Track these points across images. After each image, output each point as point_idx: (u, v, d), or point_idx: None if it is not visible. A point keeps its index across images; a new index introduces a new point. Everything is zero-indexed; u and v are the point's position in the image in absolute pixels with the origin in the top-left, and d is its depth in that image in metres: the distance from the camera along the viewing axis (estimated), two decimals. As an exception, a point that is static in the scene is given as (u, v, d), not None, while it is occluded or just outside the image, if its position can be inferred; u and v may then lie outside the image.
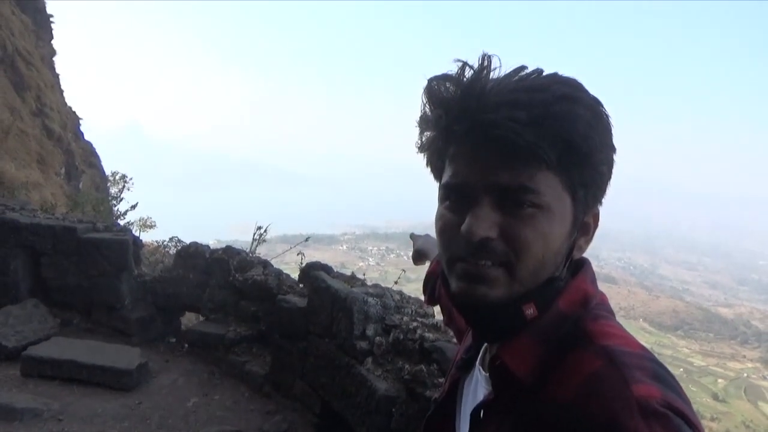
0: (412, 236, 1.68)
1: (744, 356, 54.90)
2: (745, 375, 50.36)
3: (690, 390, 45.01)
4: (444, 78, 0.72)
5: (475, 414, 0.81)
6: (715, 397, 44.49)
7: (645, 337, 56.34)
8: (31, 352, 3.95)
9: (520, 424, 0.71)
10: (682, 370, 49.91)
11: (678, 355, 54.28)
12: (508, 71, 0.71)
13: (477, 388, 0.87)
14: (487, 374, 0.82)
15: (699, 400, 42.78)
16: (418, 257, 1.56)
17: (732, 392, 46.50)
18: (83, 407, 3.61)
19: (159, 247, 7.80)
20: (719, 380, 48.98)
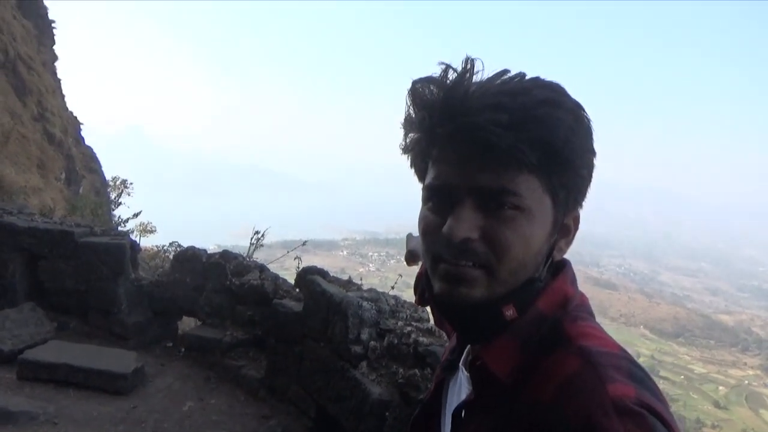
0: (409, 236, 1.67)
1: (745, 363, 54.77)
2: (746, 382, 50.22)
3: (691, 397, 44.87)
4: (428, 80, 0.73)
5: (456, 413, 0.82)
6: (716, 404, 44.35)
7: (646, 344, 56.15)
8: (27, 355, 3.96)
9: (500, 424, 0.72)
10: (682, 377, 49.77)
11: (679, 362, 54.09)
12: (491, 74, 0.72)
13: (461, 388, 0.88)
14: (469, 374, 0.83)
15: (700, 408, 42.65)
16: (411, 258, 1.56)
17: (733, 399, 46.36)
18: (79, 411, 3.61)
19: (159, 252, 7.83)
20: (720, 387, 48.83)
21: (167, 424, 3.64)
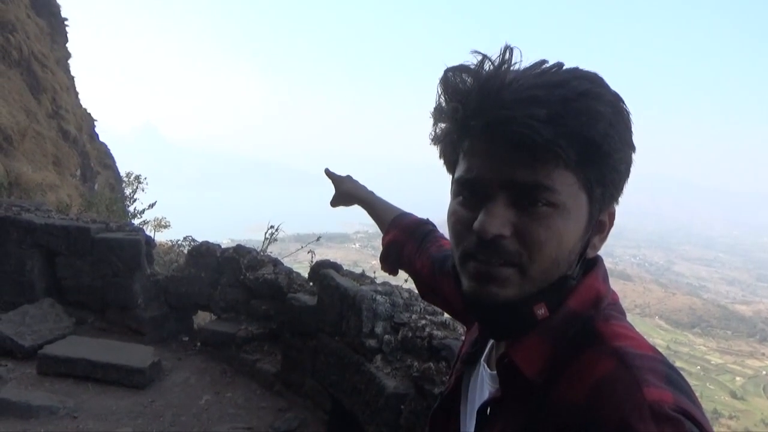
0: (330, 174, 1.59)
1: (763, 354, 54.07)
2: (764, 373, 49.61)
3: (708, 388, 44.46)
4: (461, 69, 0.71)
5: (481, 411, 0.80)
6: (734, 395, 43.91)
7: (661, 334, 55.69)
8: (47, 350, 4.02)
9: (528, 424, 0.70)
10: (699, 368, 49.32)
11: (695, 353, 53.57)
12: (527, 65, 0.70)
13: (482, 385, 0.86)
14: (493, 372, 0.81)
15: (717, 398, 42.26)
16: (340, 200, 1.54)
17: (751, 390, 45.87)
18: (98, 405, 3.66)
19: (173, 247, 7.88)
20: (737, 378, 48.33)
21: (185, 417, 3.68)
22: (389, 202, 1.54)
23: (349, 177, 1.58)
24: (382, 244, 1.44)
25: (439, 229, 1.34)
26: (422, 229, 1.36)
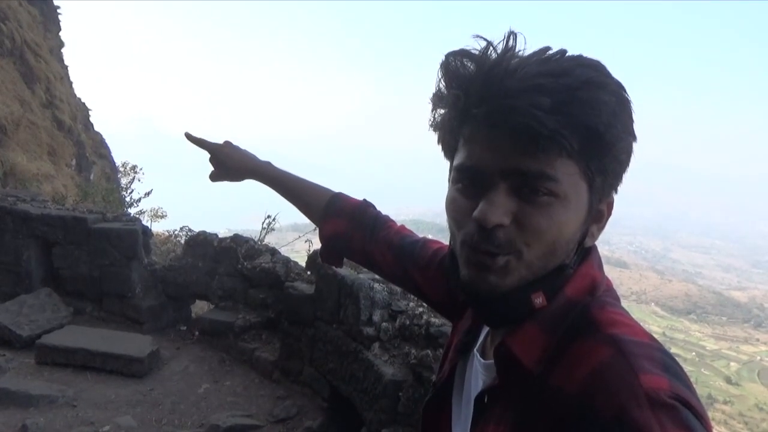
0: (198, 140, 1.31)
1: (757, 339, 54.52)
2: (759, 358, 50.07)
3: (702, 374, 44.84)
4: (463, 54, 0.69)
5: (479, 398, 0.80)
6: (728, 380, 44.32)
7: (657, 321, 56.07)
8: (45, 340, 4.03)
9: (525, 412, 0.70)
10: (694, 354, 49.72)
11: (690, 339, 53.96)
12: (530, 52, 0.68)
13: (476, 374, 0.86)
14: (487, 362, 0.81)
15: (712, 384, 42.64)
16: (238, 174, 1.30)
17: (745, 375, 46.30)
18: (97, 394, 3.68)
19: (170, 237, 7.88)
20: (732, 363, 48.76)
21: (184, 405, 3.70)
22: (297, 175, 1.32)
23: (229, 144, 1.33)
24: (322, 236, 1.26)
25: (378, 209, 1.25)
26: (368, 214, 1.24)
